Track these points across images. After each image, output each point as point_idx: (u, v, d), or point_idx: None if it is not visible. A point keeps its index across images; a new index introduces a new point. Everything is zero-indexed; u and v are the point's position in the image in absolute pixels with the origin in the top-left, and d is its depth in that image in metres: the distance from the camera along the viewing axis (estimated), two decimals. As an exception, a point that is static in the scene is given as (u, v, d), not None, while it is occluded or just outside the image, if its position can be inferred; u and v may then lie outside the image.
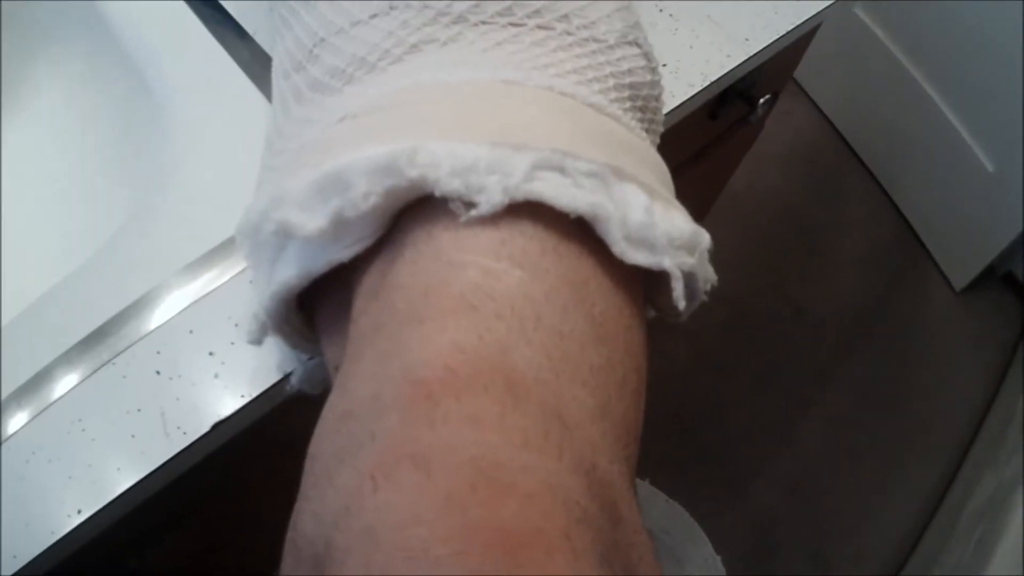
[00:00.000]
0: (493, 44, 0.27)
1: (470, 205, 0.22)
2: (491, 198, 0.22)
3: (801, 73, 2.02)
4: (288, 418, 0.44)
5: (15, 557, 0.37)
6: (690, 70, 0.54)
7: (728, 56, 0.56)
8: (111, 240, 0.45)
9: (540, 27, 0.27)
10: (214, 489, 0.56)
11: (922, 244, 1.82)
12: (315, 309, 0.29)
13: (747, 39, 0.57)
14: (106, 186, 0.57)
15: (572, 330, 0.22)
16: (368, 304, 0.24)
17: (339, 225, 0.23)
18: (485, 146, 0.23)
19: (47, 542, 0.37)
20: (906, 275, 1.80)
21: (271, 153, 0.30)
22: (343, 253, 0.24)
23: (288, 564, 0.21)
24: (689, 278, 0.27)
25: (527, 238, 0.23)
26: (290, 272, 0.25)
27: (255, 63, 0.51)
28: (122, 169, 0.56)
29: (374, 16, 0.28)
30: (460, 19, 0.27)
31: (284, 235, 0.25)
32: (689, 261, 0.26)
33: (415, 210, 0.24)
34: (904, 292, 1.78)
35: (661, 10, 0.57)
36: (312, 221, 0.23)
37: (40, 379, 0.40)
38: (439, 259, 0.22)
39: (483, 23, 0.27)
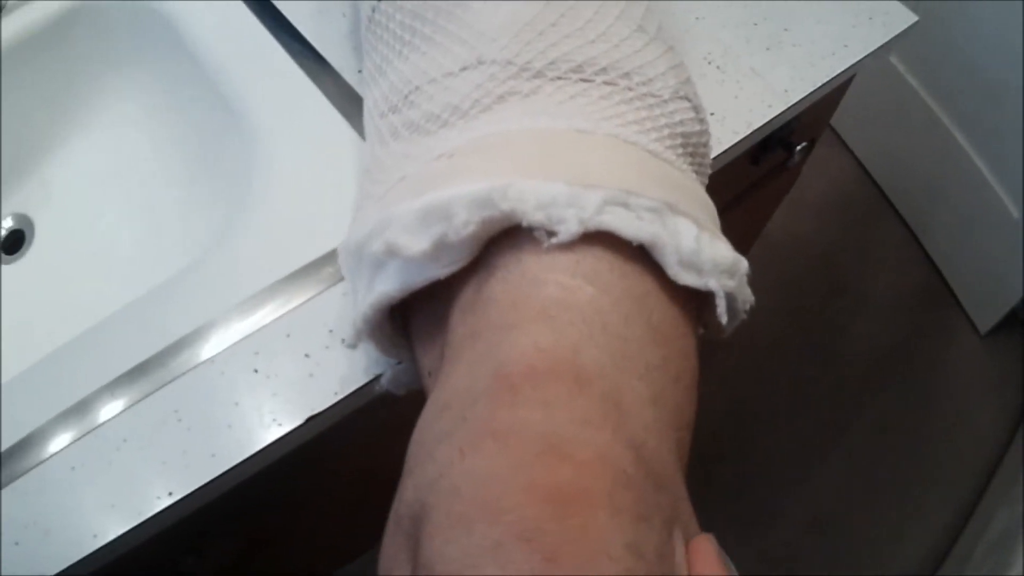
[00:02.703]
0: (567, 97, 0.31)
1: (551, 234, 0.27)
2: (569, 228, 0.26)
3: (838, 121, 2.04)
4: (328, 442, 0.48)
5: (95, 536, 0.39)
6: (735, 119, 0.58)
7: (769, 106, 0.59)
8: (203, 253, 0.49)
9: (606, 83, 0.32)
10: (269, 500, 0.60)
11: (949, 288, 1.83)
12: (410, 322, 0.33)
13: (787, 90, 0.61)
14: (189, 201, 0.61)
15: (632, 335, 0.26)
16: (465, 316, 0.28)
17: (440, 248, 0.28)
18: (564, 185, 0.27)
19: (131, 523, 0.40)
20: (932, 319, 1.81)
21: (371, 181, 0.34)
22: (440, 272, 0.29)
23: (389, 531, 0.24)
24: (730, 299, 0.31)
25: (597, 260, 0.27)
26: (391, 286, 0.30)
27: (339, 95, 0.54)
28: (205, 186, 0.60)
29: (464, 69, 0.32)
30: (539, 75, 0.32)
31: (391, 254, 0.29)
32: (730, 283, 0.31)
33: (505, 238, 0.28)
34: (930, 335, 1.79)
35: (710, 63, 0.61)
36: (417, 244, 0.28)
37: (137, 372, 0.43)
38: (524, 277, 0.27)
39: (559, 78, 0.32)
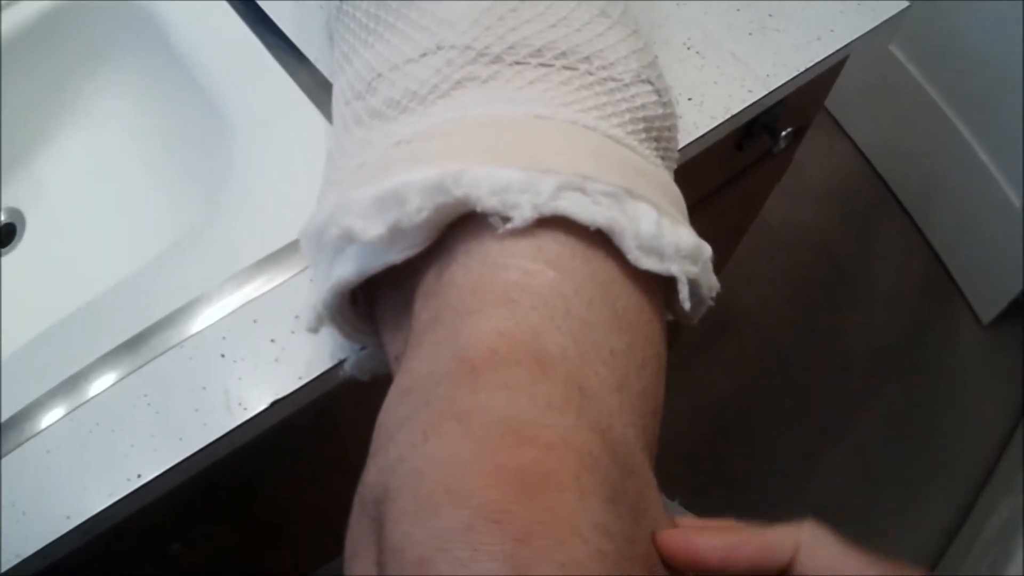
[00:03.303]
0: (526, 83, 0.31)
1: (506, 219, 0.27)
2: (523, 213, 0.26)
3: (839, 110, 2.05)
4: (302, 431, 0.48)
5: (68, 518, 0.40)
6: (714, 104, 0.58)
7: (749, 91, 0.59)
8: (181, 239, 0.49)
9: (566, 67, 0.32)
10: (250, 488, 0.60)
11: (952, 279, 1.83)
12: (375, 308, 0.34)
13: (768, 75, 0.61)
14: (171, 192, 0.62)
15: (596, 320, 0.27)
16: (427, 301, 0.28)
17: (395, 233, 0.28)
18: (518, 170, 0.27)
19: (102, 504, 0.40)
20: (935, 309, 1.81)
21: (333, 168, 0.35)
22: (396, 257, 0.29)
23: (355, 513, 0.25)
24: (694, 285, 0.31)
25: (559, 245, 0.27)
26: (348, 270, 0.30)
27: (315, 87, 0.55)
28: (186, 178, 0.61)
29: (424, 55, 0.33)
30: (498, 59, 0.32)
31: (347, 239, 0.29)
32: (694, 269, 0.31)
33: (464, 223, 0.28)
34: (933, 325, 1.79)
35: (689, 48, 0.61)
36: (372, 229, 0.28)
37: (109, 358, 0.44)
38: (486, 262, 0.27)
39: (517, 63, 0.32)
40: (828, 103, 2.00)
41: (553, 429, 0.22)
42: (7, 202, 0.65)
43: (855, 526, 1.42)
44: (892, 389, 1.70)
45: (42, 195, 0.66)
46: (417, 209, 0.27)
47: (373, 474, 0.24)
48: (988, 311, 1.76)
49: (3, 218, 0.65)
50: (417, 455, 0.22)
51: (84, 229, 0.64)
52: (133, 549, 0.55)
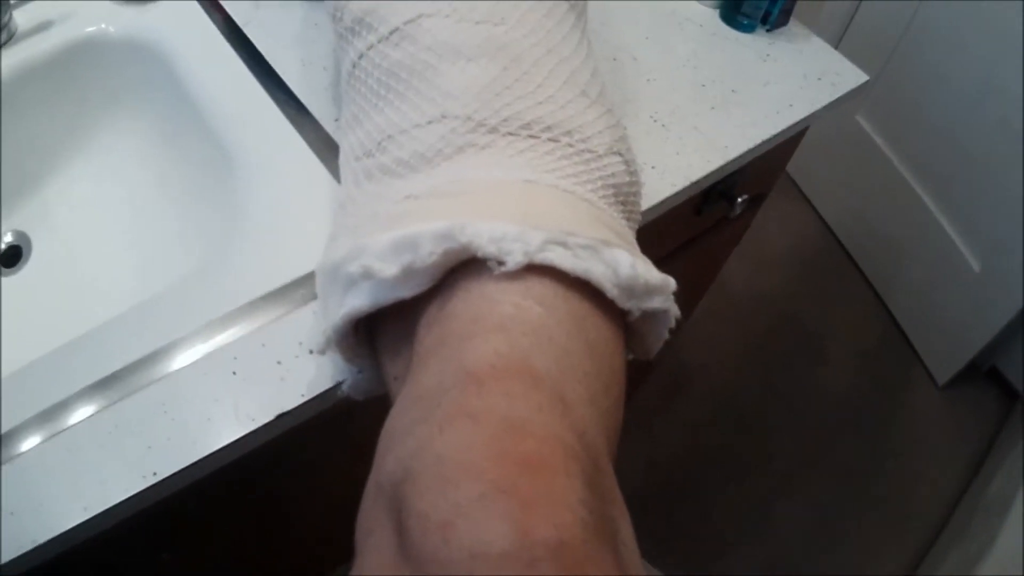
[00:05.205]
0: (517, 152, 0.38)
1: (501, 264, 0.33)
2: (515, 258, 0.33)
3: (802, 179, 2.13)
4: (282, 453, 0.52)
5: (85, 509, 0.44)
6: (675, 172, 0.64)
7: (708, 161, 0.65)
8: (193, 272, 0.54)
9: (550, 139, 0.39)
10: (243, 499, 0.64)
11: (908, 342, 1.90)
12: (377, 337, 0.40)
13: (726, 146, 0.67)
14: (176, 228, 0.67)
15: (573, 348, 0.32)
16: (430, 329, 0.34)
17: (408, 273, 0.34)
18: (512, 224, 0.33)
19: (119, 498, 0.44)
20: (892, 371, 1.87)
21: (345, 215, 0.41)
22: (407, 293, 0.35)
23: (369, 499, 0.29)
24: (663, 315, 0.38)
25: (544, 287, 0.33)
26: (362, 301, 0.36)
27: (319, 141, 0.61)
28: (192, 215, 0.66)
29: (430, 122, 0.39)
30: (494, 130, 0.38)
31: (365, 276, 0.35)
32: (667, 304, 0.37)
33: (464, 268, 0.34)
34: (888, 387, 1.85)
35: (655, 121, 0.67)
36: (388, 269, 0.34)
37: (133, 368, 0.49)
38: (483, 298, 0.33)
39: (510, 134, 0.38)
40: (792, 171, 2.08)
41: (545, 427, 0.28)
42: (15, 225, 0.69)
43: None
44: (847, 447, 1.75)
45: (50, 221, 0.69)
46: (429, 253, 0.33)
47: (391, 463, 0.28)
48: (944, 373, 1.82)
49: (10, 239, 0.68)
50: (435, 444, 0.27)
51: (89, 256, 0.68)
52: (126, 558, 0.59)
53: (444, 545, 0.24)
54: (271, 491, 0.66)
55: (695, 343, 1.81)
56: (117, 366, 0.49)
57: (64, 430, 0.47)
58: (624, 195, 0.41)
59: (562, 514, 0.25)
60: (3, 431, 0.47)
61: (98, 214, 0.70)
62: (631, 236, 0.41)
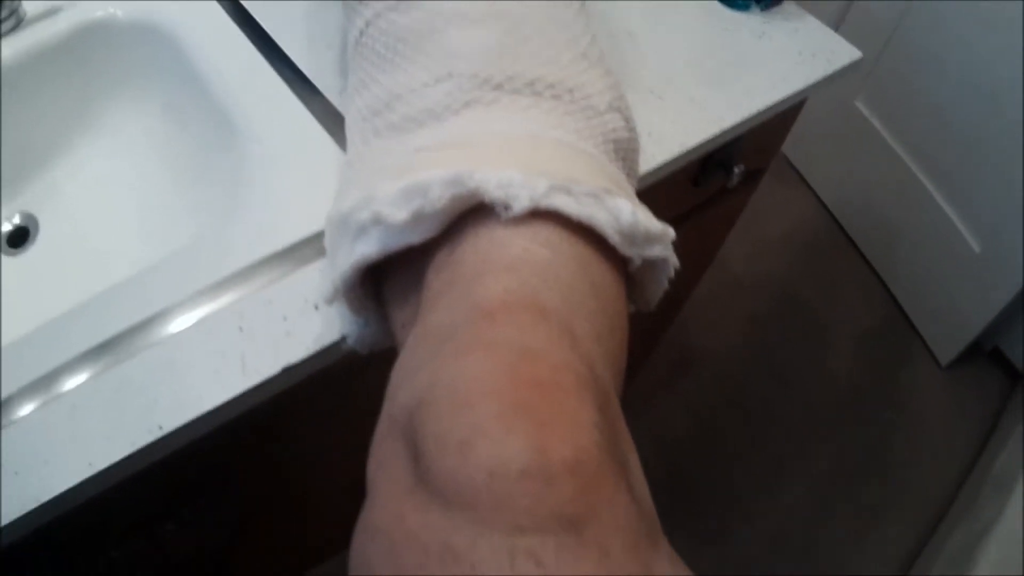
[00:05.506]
0: (521, 108, 0.39)
1: (508, 208, 0.34)
2: (522, 203, 0.34)
3: (801, 162, 2.13)
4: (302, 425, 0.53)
5: (90, 464, 0.45)
6: (671, 140, 0.65)
7: (703, 130, 0.66)
8: (200, 235, 0.55)
9: (553, 96, 0.40)
10: (249, 462, 0.65)
11: (911, 323, 1.91)
12: (384, 286, 0.41)
13: (721, 117, 0.68)
14: (185, 199, 0.68)
15: (578, 287, 0.34)
16: (440, 273, 0.35)
17: (417, 218, 0.35)
18: (518, 172, 0.35)
19: (124, 452, 0.45)
20: (894, 352, 1.88)
21: (352, 170, 0.42)
22: (416, 238, 0.36)
23: (381, 433, 0.30)
24: (662, 264, 0.39)
25: (551, 231, 0.34)
26: (372, 248, 0.37)
27: (326, 115, 0.62)
28: (200, 188, 0.67)
29: (438, 81, 0.40)
30: (499, 87, 0.40)
31: (375, 222, 0.36)
32: (665, 252, 0.38)
33: (472, 214, 0.35)
34: (891, 368, 1.86)
35: (652, 92, 0.68)
36: (399, 214, 0.35)
37: (139, 327, 0.50)
38: (492, 242, 0.34)
39: (515, 92, 0.40)
40: (791, 155, 2.09)
41: (557, 355, 0.28)
42: (22, 207, 0.70)
43: (814, 553, 1.47)
44: (850, 427, 1.76)
45: (57, 202, 0.70)
46: (438, 198, 0.34)
47: (405, 395, 0.29)
48: (947, 354, 1.83)
49: (18, 221, 0.69)
50: (450, 371, 0.28)
51: (97, 236, 0.69)
52: (119, 527, 0.60)
53: (463, 464, 0.24)
54: (277, 455, 0.68)
55: (698, 325, 1.82)
56: (121, 328, 0.50)
57: (67, 391, 0.48)
58: (624, 151, 0.43)
59: (578, 435, 0.25)
60: (4, 396, 0.47)
61: (106, 194, 0.71)
62: (631, 189, 0.42)
